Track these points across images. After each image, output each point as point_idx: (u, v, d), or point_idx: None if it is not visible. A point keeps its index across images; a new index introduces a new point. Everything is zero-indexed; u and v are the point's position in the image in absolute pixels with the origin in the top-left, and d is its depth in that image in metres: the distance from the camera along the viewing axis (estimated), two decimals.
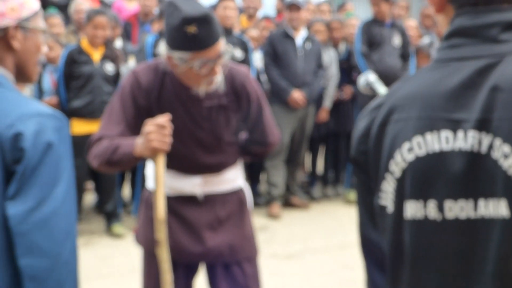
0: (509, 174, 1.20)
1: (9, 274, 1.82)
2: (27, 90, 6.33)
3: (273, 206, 6.89)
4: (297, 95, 6.68)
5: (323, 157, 7.97)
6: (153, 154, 2.62)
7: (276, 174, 6.98)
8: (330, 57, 7.29)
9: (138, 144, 2.66)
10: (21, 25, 1.94)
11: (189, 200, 2.98)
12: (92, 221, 6.90)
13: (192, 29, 2.68)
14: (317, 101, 7.20)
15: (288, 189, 7.21)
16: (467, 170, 1.24)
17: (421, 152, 1.29)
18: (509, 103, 1.21)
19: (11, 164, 1.78)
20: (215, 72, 2.77)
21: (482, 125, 1.23)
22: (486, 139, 1.22)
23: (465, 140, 1.25)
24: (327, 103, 7.27)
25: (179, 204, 2.97)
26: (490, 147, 1.22)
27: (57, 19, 7.33)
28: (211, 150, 2.95)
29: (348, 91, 7.44)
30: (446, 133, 1.27)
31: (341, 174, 7.81)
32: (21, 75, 2.01)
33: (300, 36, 6.90)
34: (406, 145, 1.32)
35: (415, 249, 1.33)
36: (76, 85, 6.05)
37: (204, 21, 2.69)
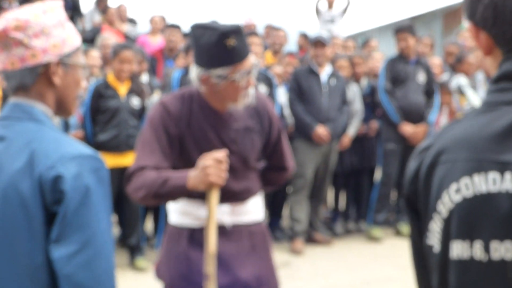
0: None
1: None
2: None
3: (295, 241, 6.86)
4: (321, 130, 6.68)
5: (345, 193, 7.95)
6: (209, 188, 2.65)
7: (299, 210, 6.95)
8: (353, 92, 7.28)
9: (191, 177, 2.66)
10: (62, 61, 1.98)
11: (218, 231, 2.92)
12: (115, 255, 6.82)
13: (231, 41, 2.73)
14: (341, 136, 7.20)
15: (310, 224, 7.17)
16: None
17: (468, 193, 1.31)
18: None
19: (51, 205, 1.80)
20: (252, 83, 2.82)
21: None
22: None
23: None
24: (351, 131, 7.19)
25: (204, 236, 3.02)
26: None
27: (95, 52, 7.46)
28: (238, 175, 2.95)
29: (373, 126, 7.44)
30: (493, 175, 1.27)
31: (363, 210, 7.76)
32: (61, 109, 2.04)
33: (325, 72, 6.92)
34: (453, 186, 1.33)
35: None
36: (102, 119, 6.11)
37: (239, 33, 2.77)
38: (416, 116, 7.24)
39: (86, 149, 1.92)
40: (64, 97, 2.03)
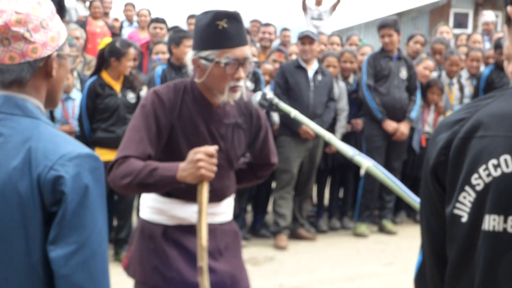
0: None
1: None
2: None
3: (280, 237, 6.91)
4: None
5: (329, 189, 7.99)
6: (198, 181, 2.66)
7: (283, 205, 6.99)
8: (340, 89, 7.31)
9: (182, 168, 2.67)
10: (58, 54, 2.01)
11: (191, 229, 2.93)
12: None
13: (222, 23, 2.75)
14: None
15: (295, 220, 7.21)
16: None
17: (508, 170, 1.35)
18: None
19: (50, 205, 1.81)
20: (239, 76, 2.80)
21: None
22: None
23: None
24: (338, 135, 7.22)
25: (180, 233, 2.96)
26: None
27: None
28: (220, 173, 2.92)
29: (358, 123, 7.49)
30: None
31: (347, 206, 7.81)
32: (49, 101, 2.06)
33: (312, 68, 6.95)
34: (492, 162, 1.37)
35: (491, 258, 1.39)
36: (100, 117, 6.16)
37: (234, 18, 2.78)
38: (399, 112, 7.30)
39: (84, 149, 1.94)
40: (55, 89, 2.05)
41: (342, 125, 7.39)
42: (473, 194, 1.40)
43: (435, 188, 1.51)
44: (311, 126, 2.80)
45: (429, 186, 1.53)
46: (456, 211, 1.44)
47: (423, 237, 1.59)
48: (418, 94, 7.53)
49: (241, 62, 2.80)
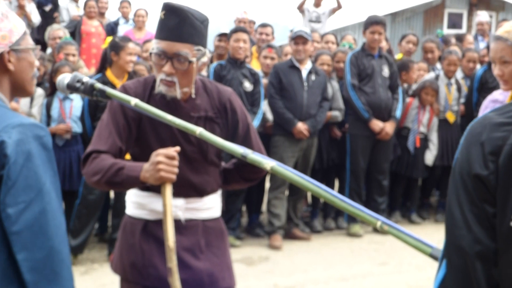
0: None
1: (5, 266, 2.00)
2: (37, 116, 6.53)
3: (274, 237, 6.94)
4: (301, 126, 6.74)
5: None
6: (159, 182, 2.68)
7: (278, 205, 7.02)
8: (333, 89, 7.34)
9: (144, 169, 2.70)
10: (13, 49, 2.15)
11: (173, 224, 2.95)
12: (93, 249, 6.93)
13: (161, 14, 2.80)
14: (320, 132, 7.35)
15: (289, 220, 7.25)
16: None
17: None
18: None
19: None
20: (167, 70, 2.80)
21: None
22: None
23: None
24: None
25: (159, 228, 2.92)
26: None
27: (73, 46, 7.52)
28: (196, 167, 2.96)
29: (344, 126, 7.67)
30: None
31: None
32: (19, 91, 2.24)
33: (306, 68, 6.98)
34: None
35: None
36: (101, 115, 6.01)
37: (173, 11, 2.79)
38: (385, 111, 7.33)
39: (28, 119, 2.09)
40: (20, 80, 2.21)
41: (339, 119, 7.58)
42: None
43: (481, 196, 1.43)
44: (160, 115, 2.75)
45: (470, 192, 1.45)
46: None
47: (460, 246, 1.47)
48: (400, 92, 7.55)
49: (169, 56, 2.80)
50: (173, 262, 2.67)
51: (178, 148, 2.72)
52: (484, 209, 1.40)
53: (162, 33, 2.84)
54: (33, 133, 2.04)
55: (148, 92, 2.96)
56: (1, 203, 1.99)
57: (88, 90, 2.88)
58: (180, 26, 2.83)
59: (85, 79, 2.91)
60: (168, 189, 2.69)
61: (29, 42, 2.27)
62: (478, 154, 1.40)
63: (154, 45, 2.88)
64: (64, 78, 2.92)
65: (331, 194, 2.29)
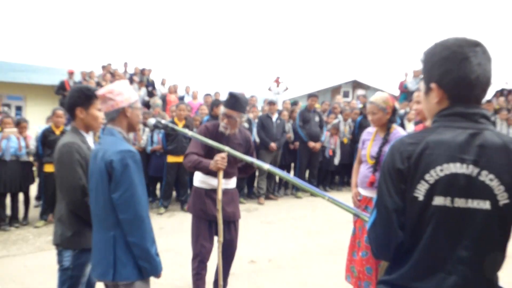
0: (490, 185, 1.48)
1: (115, 221, 2.29)
2: (144, 140, 7.41)
3: (260, 198, 8.09)
4: (273, 145, 7.95)
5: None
6: (217, 169, 3.15)
7: (261, 182, 8.10)
8: (288, 127, 8.51)
9: (211, 163, 3.16)
10: (130, 106, 2.41)
11: (216, 191, 3.35)
12: (174, 203, 8.19)
13: (228, 95, 3.31)
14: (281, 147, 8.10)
15: (267, 190, 8.33)
16: (466, 184, 1.49)
17: (447, 172, 1.51)
18: (488, 154, 1.49)
19: (110, 174, 2.29)
20: (226, 122, 3.38)
21: (475, 163, 1.50)
22: (475, 170, 1.50)
23: (467, 168, 1.50)
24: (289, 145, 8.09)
25: (212, 192, 3.44)
26: (478, 173, 1.49)
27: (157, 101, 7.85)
28: (231, 165, 3.44)
29: (296, 144, 8.66)
30: (458, 164, 1.51)
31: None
32: (131, 128, 2.46)
33: (275, 117, 8.23)
34: (438, 167, 1.51)
35: (437, 221, 1.53)
36: (171, 139, 7.22)
37: (232, 95, 3.37)
38: (315, 137, 8.67)
39: (128, 146, 2.27)
40: (132, 123, 2.46)
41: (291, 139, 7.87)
42: (427, 185, 1.51)
43: (399, 179, 1.57)
44: (213, 144, 3.31)
45: (393, 177, 1.57)
46: (415, 194, 1.52)
47: (385, 205, 1.60)
48: (324, 129, 8.51)
49: (227, 116, 3.36)
50: (219, 206, 3.08)
51: (225, 154, 3.08)
52: (400, 186, 1.56)
53: (226, 104, 3.32)
54: (129, 155, 2.27)
55: (216, 129, 3.43)
56: (112, 190, 2.25)
57: (164, 127, 3.19)
58: (234, 102, 3.30)
59: (163, 121, 3.16)
60: (221, 174, 3.12)
61: (139, 104, 2.41)
62: (399, 157, 1.56)
63: (222, 109, 3.33)
64: (151, 120, 3.11)
65: (293, 179, 2.66)
